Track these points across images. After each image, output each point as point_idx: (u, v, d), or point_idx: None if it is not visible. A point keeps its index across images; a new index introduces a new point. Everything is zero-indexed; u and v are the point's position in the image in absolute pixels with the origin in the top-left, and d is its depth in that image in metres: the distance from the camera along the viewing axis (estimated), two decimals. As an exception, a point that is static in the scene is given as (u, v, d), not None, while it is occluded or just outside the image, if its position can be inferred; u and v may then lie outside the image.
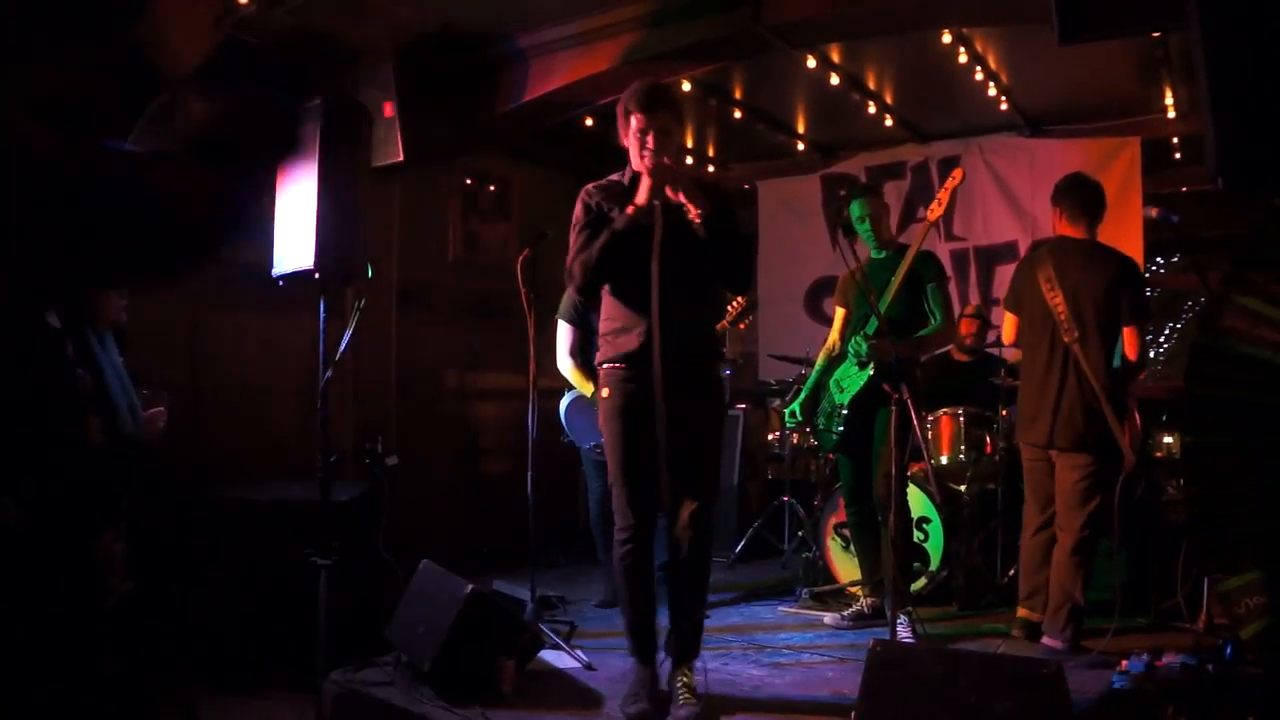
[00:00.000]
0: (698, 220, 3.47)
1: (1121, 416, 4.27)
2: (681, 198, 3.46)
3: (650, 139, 3.51)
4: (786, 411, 5.27)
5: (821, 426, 5.04)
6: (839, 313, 5.18)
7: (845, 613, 5.03)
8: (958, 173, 4.73)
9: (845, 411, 4.84)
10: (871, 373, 4.69)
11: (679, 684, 3.59)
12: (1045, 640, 4.31)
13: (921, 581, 5.33)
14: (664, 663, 3.70)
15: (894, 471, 3.97)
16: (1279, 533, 3.41)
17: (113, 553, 1.76)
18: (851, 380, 4.82)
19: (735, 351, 6.92)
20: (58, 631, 1.45)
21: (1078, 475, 4.32)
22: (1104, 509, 4.29)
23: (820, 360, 5.15)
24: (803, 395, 5.16)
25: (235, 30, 5.10)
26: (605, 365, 3.69)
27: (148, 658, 3.56)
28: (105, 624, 1.72)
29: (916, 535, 5.35)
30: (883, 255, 4.94)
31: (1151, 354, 6.85)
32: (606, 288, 3.70)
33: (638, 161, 3.54)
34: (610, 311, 3.72)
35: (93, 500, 1.75)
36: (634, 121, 3.54)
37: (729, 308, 5.42)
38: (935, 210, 4.74)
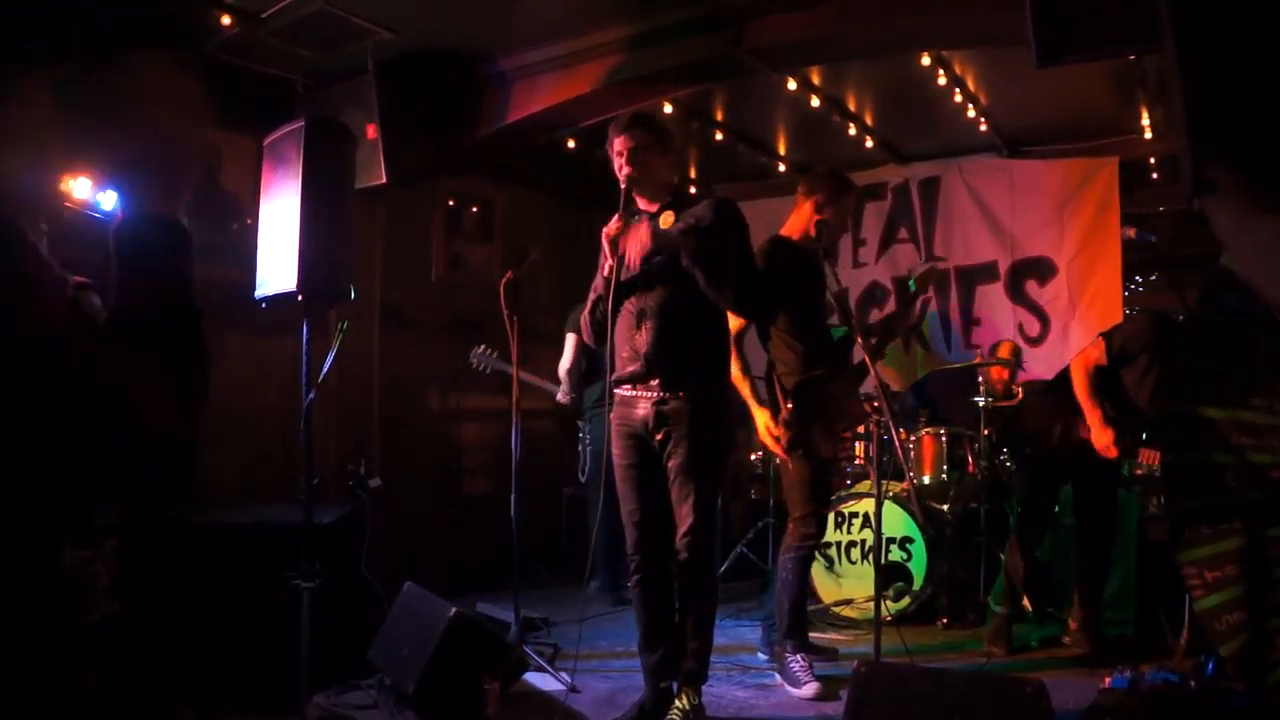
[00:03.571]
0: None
1: None
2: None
3: (621, 158, 3.61)
4: None
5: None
6: None
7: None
8: None
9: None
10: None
11: (675, 704, 3.59)
12: None
13: (905, 600, 5.33)
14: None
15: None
16: (1258, 548, 3.44)
17: (94, 572, 1.74)
18: None
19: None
20: (26, 646, 1.44)
21: None
22: None
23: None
24: None
25: (218, 52, 5.12)
26: (612, 384, 3.75)
27: (130, 679, 3.53)
28: (83, 642, 1.69)
29: (899, 555, 5.35)
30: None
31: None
32: None
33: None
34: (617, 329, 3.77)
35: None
36: (613, 145, 3.65)
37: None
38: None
